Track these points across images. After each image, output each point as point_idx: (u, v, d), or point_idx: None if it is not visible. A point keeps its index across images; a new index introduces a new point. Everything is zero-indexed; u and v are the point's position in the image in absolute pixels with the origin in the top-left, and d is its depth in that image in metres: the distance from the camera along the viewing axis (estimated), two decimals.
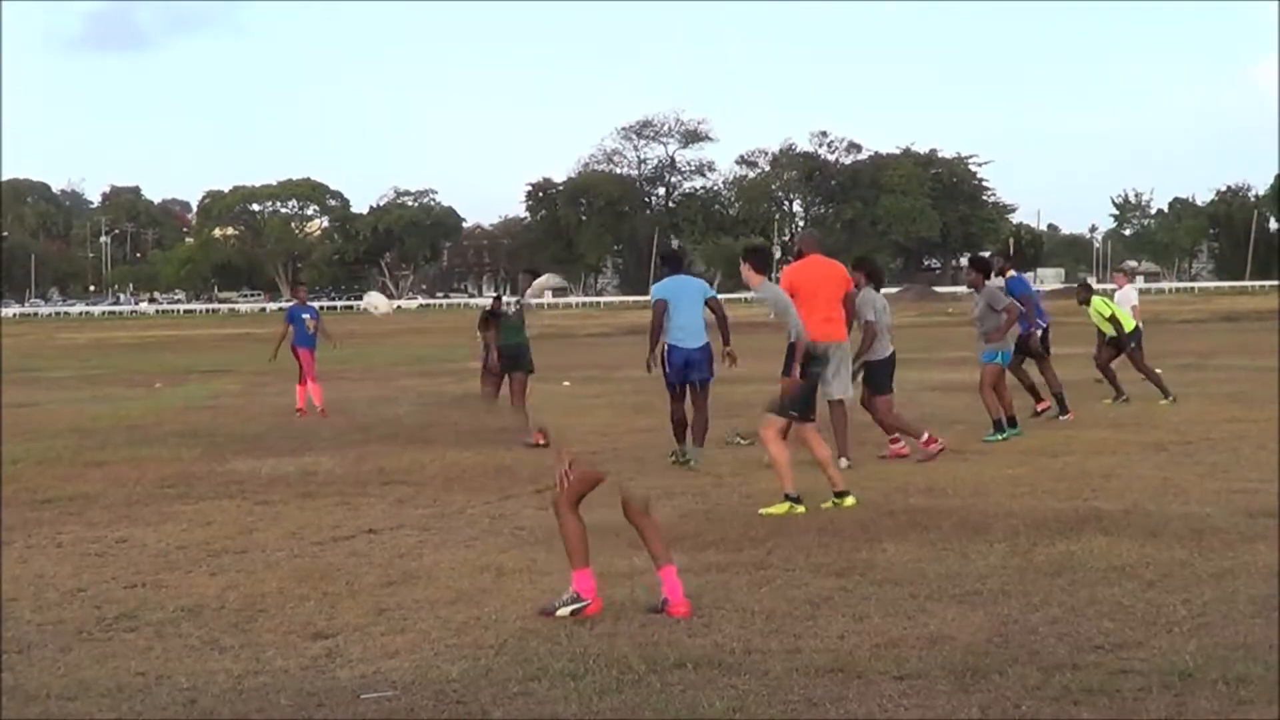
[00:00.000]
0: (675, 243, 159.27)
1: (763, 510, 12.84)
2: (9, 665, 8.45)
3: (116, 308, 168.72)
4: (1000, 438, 18.25)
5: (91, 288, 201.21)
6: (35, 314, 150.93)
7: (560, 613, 9.08)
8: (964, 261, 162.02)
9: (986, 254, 25.26)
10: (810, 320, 14.04)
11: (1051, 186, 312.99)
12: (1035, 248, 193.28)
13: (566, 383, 29.48)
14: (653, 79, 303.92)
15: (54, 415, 25.85)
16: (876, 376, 16.98)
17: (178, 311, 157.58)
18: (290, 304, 28.56)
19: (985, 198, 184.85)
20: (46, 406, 28.88)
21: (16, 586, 10.68)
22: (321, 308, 53.12)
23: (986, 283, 19.41)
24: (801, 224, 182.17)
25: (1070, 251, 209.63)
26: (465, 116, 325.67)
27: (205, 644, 8.86)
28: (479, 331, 21.50)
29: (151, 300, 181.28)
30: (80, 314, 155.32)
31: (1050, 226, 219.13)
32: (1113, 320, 23.37)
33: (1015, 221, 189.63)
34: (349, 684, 7.84)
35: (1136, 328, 24.14)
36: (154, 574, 11.03)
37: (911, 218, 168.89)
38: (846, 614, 9.06)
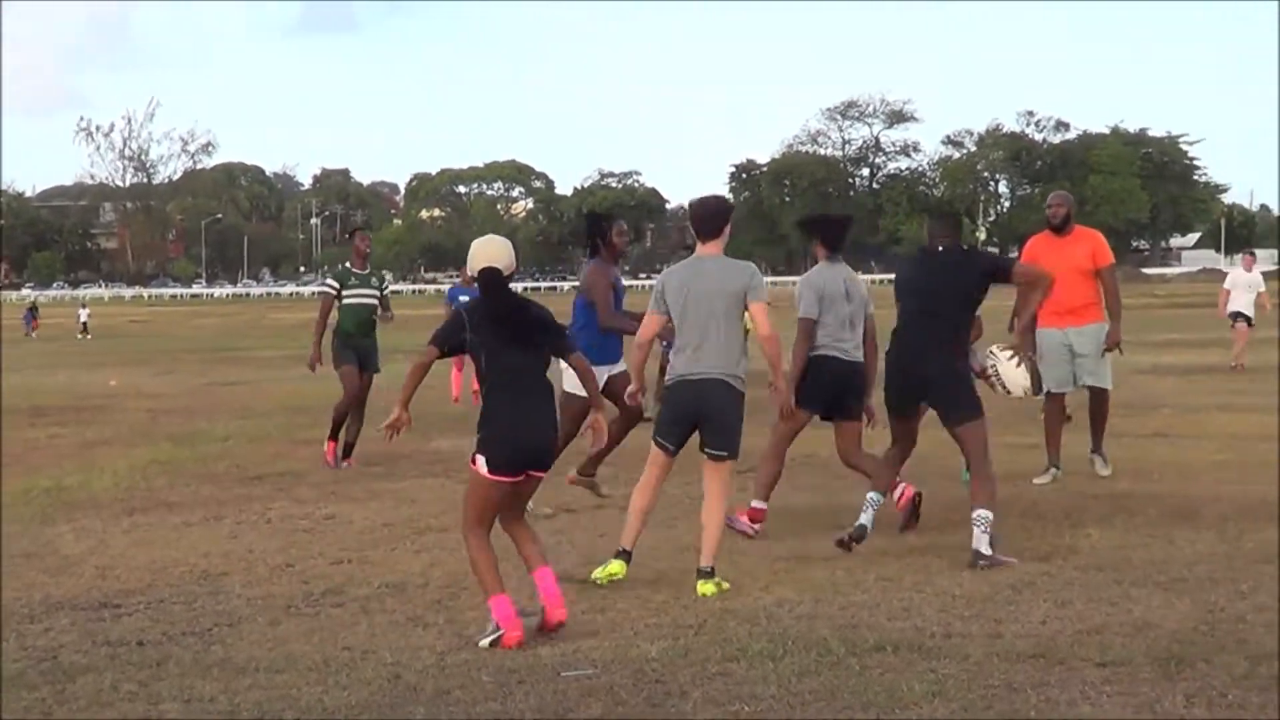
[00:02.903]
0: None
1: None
2: (219, 639, 8.65)
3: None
4: None
5: (302, 268, 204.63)
6: (247, 294, 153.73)
7: (481, 644, 8.32)
8: (1174, 242, 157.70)
9: None
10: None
11: (1265, 165, 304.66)
12: (1247, 229, 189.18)
13: None
14: (858, 59, 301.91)
15: (264, 393, 26.37)
16: None
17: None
18: (452, 285, 27.11)
19: (1196, 178, 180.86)
20: (257, 385, 29.51)
21: (227, 561, 10.94)
22: (525, 289, 52.82)
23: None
24: (1007, 205, 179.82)
25: None
26: (669, 97, 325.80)
27: (409, 620, 9.00)
28: None
29: None
30: (290, 294, 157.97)
31: (1263, 207, 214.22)
32: None
33: (1227, 202, 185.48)
34: (550, 661, 7.91)
35: None
36: (359, 550, 11.24)
37: (1120, 198, 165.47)
38: (1049, 599, 8.97)
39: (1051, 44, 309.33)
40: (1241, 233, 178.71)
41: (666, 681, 7.43)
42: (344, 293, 16.40)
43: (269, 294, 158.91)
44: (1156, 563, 9.91)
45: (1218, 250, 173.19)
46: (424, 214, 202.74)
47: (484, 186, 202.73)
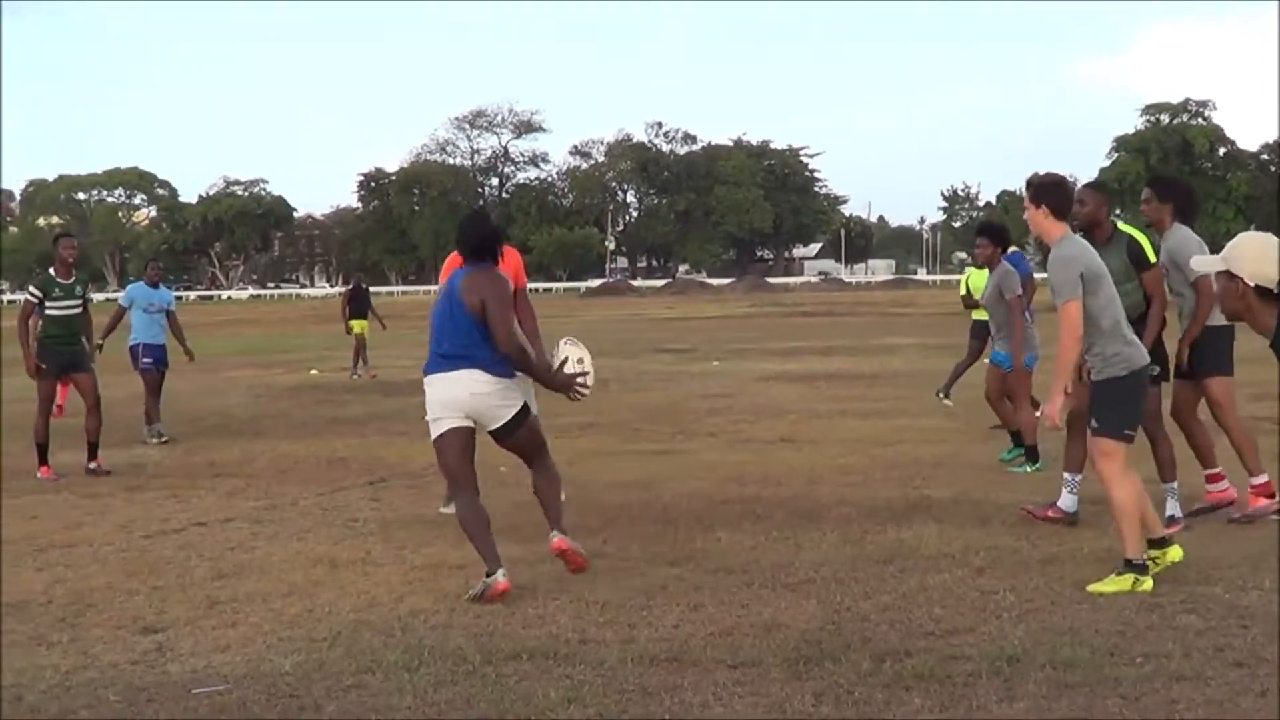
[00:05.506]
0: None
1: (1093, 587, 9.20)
2: None
3: None
4: (1018, 462, 14.63)
5: None
6: None
7: None
8: (797, 252, 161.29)
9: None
10: None
11: (882, 179, 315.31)
12: (865, 239, 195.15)
13: None
14: (487, 69, 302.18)
15: None
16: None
17: (3, 302, 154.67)
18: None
19: (817, 189, 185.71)
20: None
21: None
22: None
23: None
24: (635, 215, 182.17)
25: (900, 243, 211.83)
26: (296, 103, 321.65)
27: (32, 640, 8.68)
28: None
29: None
30: None
31: (880, 218, 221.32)
32: None
33: (846, 213, 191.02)
34: (179, 678, 7.72)
35: None
36: None
37: (744, 209, 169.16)
38: (681, 603, 9.07)
39: (680, 56, 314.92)
40: (859, 243, 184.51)
41: (300, 696, 7.32)
42: (48, 303, 15.91)
43: None
44: (785, 565, 10.10)
45: (838, 259, 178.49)
46: (41, 221, 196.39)
47: (104, 194, 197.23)
